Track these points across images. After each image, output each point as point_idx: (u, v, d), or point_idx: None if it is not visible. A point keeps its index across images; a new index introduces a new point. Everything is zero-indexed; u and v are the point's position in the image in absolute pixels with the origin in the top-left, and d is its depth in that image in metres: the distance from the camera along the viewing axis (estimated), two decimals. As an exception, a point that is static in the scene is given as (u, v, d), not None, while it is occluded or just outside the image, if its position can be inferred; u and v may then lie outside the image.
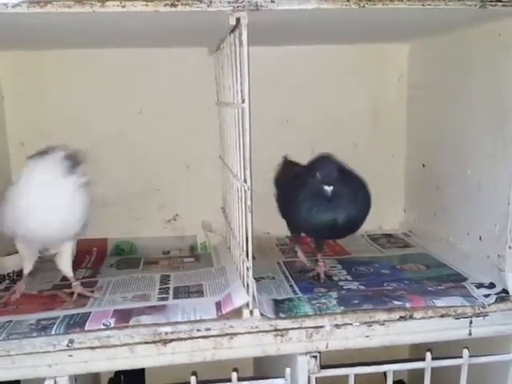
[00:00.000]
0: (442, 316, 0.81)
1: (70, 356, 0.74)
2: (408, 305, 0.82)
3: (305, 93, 1.23)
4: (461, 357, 0.83)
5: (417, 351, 1.25)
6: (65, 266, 0.93)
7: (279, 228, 1.27)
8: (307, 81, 1.22)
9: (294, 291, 0.91)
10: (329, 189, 0.88)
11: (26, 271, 0.93)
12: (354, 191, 0.91)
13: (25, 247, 0.92)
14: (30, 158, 0.87)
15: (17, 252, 1.07)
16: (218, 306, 0.82)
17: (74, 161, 0.85)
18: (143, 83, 1.18)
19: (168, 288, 0.94)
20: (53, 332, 0.76)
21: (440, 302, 0.82)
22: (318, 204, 0.90)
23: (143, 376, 1.15)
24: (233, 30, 0.79)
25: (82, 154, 0.87)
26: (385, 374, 1.14)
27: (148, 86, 1.19)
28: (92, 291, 0.92)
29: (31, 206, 0.83)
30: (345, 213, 0.90)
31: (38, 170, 0.85)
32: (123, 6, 0.69)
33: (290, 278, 0.99)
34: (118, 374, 1.14)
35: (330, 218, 0.90)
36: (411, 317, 0.81)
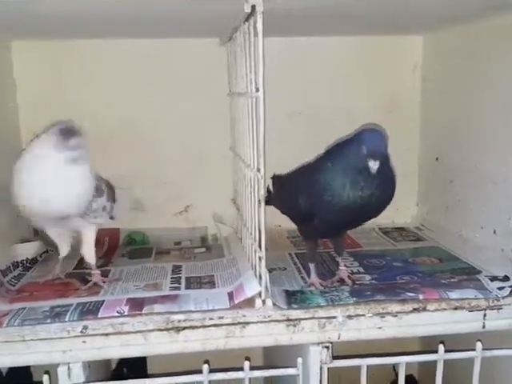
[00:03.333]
0: (456, 308, 0.81)
1: (84, 342, 0.75)
2: (421, 297, 0.81)
3: (317, 84, 1.22)
4: (474, 350, 0.82)
5: (427, 345, 1.25)
6: (86, 252, 0.94)
7: (290, 221, 1.28)
8: (320, 72, 1.22)
9: (306, 283, 0.91)
10: (375, 165, 0.78)
11: (61, 255, 0.96)
12: (391, 171, 0.85)
13: (54, 230, 0.94)
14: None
15: (30, 240, 1.09)
16: (231, 296, 0.82)
17: (67, 135, 0.83)
18: (155, 74, 1.18)
19: (180, 278, 0.94)
20: (67, 318, 0.76)
21: (454, 295, 0.81)
22: (355, 180, 0.81)
23: (145, 367, 1.15)
24: (247, 19, 0.79)
25: (78, 128, 0.85)
26: (394, 367, 1.15)
27: (160, 77, 1.19)
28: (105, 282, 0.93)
29: (28, 181, 0.83)
30: (383, 193, 0.82)
31: (34, 145, 0.85)
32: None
33: (302, 270, 0.98)
34: (120, 364, 1.15)
35: (366, 196, 0.81)
36: (424, 309, 0.80)
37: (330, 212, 0.84)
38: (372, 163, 0.79)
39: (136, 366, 1.10)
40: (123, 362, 1.13)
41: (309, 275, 0.92)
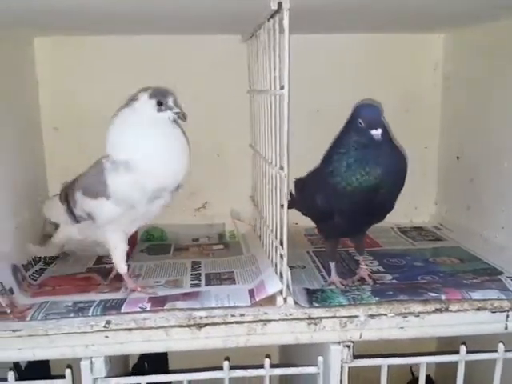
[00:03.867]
0: (478, 309, 0.80)
1: (107, 337, 0.75)
2: (444, 297, 0.81)
3: (337, 82, 1.22)
4: (495, 351, 0.82)
5: (444, 345, 1.24)
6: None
7: (307, 219, 1.28)
8: (340, 70, 1.21)
9: (326, 282, 0.91)
10: (377, 132, 0.77)
11: (123, 271, 0.88)
12: (397, 147, 0.84)
13: (116, 234, 0.87)
14: (119, 110, 0.85)
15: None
16: (251, 293, 0.83)
17: (160, 97, 0.83)
18: (175, 70, 1.18)
19: (199, 274, 0.95)
20: (90, 313, 0.77)
21: (476, 295, 0.81)
22: (360, 158, 0.80)
23: (166, 363, 1.16)
24: (272, 16, 0.79)
25: (168, 89, 0.85)
26: (411, 367, 1.15)
27: (180, 73, 1.18)
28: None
29: (156, 150, 0.81)
30: (393, 169, 0.81)
31: (131, 115, 0.83)
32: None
33: (321, 268, 0.98)
34: (141, 359, 1.15)
35: (375, 173, 0.80)
36: (447, 309, 0.80)
37: (345, 199, 0.83)
38: (374, 132, 0.78)
39: (157, 360, 1.11)
40: (145, 357, 1.14)
41: (329, 274, 0.92)
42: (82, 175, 0.89)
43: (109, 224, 0.85)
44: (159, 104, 0.82)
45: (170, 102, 0.83)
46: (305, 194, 0.97)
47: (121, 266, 0.87)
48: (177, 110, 0.83)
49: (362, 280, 0.90)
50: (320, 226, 0.96)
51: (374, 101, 0.89)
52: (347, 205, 0.84)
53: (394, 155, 0.83)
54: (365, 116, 0.80)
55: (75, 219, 0.89)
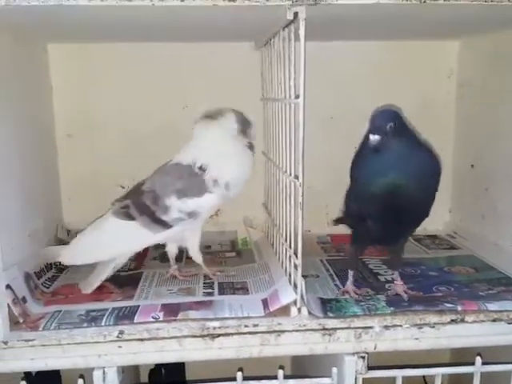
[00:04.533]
0: (495, 320, 0.79)
1: (120, 347, 0.75)
2: (460, 308, 0.80)
3: (351, 89, 1.21)
4: (511, 363, 0.81)
5: (457, 356, 1.23)
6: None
7: (320, 226, 1.27)
8: (353, 77, 1.21)
9: (340, 290, 0.90)
10: (373, 137, 0.79)
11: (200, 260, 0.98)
12: (420, 149, 0.83)
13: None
14: (201, 121, 0.96)
15: (64, 242, 1.09)
16: (265, 303, 0.82)
17: (244, 124, 0.95)
18: (189, 77, 1.18)
19: (212, 283, 0.94)
20: (103, 323, 0.76)
21: (492, 306, 0.80)
22: (371, 161, 0.81)
23: (183, 370, 1.15)
24: (287, 25, 0.78)
25: (249, 120, 0.97)
26: (424, 378, 1.13)
27: (193, 80, 1.19)
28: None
29: (238, 163, 0.94)
30: (413, 171, 0.80)
31: (217, 130, 0.94)
32: (182, 0, 0.68)
33: (335, 277, 0.97)
34: (158, 366, 1.15)
35: (390, 176, 0.79)
36: (462, 320, 0.79)
37: (367, 202, 0.84)
38: (371, 137, 0.79)
39: (174, 368, 1.11)
40: (162, 364, 1.13)
41: (343, 283, 0.92)
42: (159, 183, 0.92)
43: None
44: (242, 132, 0.95)
45: (251, 131, 0.97)
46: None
47: (199, 256, 0.98)
48: (250, 141, 0.97)
49: (397, 296, 0.87)
50: (353, 231, 0.93)
51: (394, 106, 0.87)
52: (371, 208, 0.84)
53: (416, 158, 0.82)
54: (370, 120, 0.81)
55: (166, 225, 0.90)
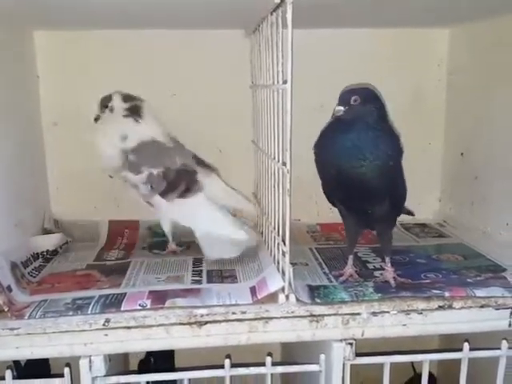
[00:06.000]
0: (482, 306, 0.79)
1: (106, 335, 0.74)
2: (447, 294, 0.80)
3: (341, 77, 1.18)
4: (499, 348, 0.81)
5: (446, 343, 1.24)
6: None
7: (310, 215, 1.27)
8: (342, 65, 1.20)
9: (329, 278, 0.90)
10: (338, 108, 0.82)
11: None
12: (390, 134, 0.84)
13: None
14: None
15: (52, 232, 1.09)
16: (253, 291, 0.81)
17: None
18: (177, 65, 1.17)
19: (201, 271, 0.94)
20: (89, 311, 0.76)
21: (480, 292, 0.80)
22: (332, 132, 0.84)
23: (173, 358, 1.15)
24: (275, 9, 0.77)
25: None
26: (412, 364, 1.14)
27: (182, 68, 1.18)
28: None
29: None
30: (375, 148, 0.81)
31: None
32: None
33: (324, 265, 0.97)
34: (148, 355, 1.15)
35: (342, 144, 0.82)
36: (450, 306, 0.79)
37: (326, 177, 0.88)
38: (336, 108, 0.82)
39: (163, 357, 1.10)
40: (151, 353, 1.13)
41: (332, 270, 0.92)
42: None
43: None
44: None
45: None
46: None
47: None
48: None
49: (387, 283, 0.87)
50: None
51: (370, 85, 0.90)
52: (336, 191, 0.89)
53: (377, 140, 0.82)
54: (341, 94, 0.84)
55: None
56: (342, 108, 0.82)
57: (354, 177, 0.82)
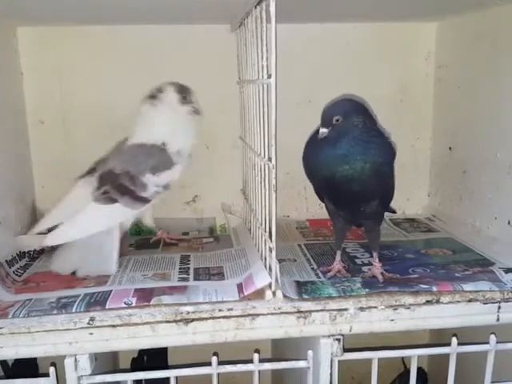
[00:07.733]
0: (470, 301, 0.79)
1: (91, 334, 0.73)
2: (435, 288, 0.79)
3: (328, 72, 1.20)
4: (487, 343, 0.81)
5: (436, 338, 1.24)
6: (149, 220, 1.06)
7: (299, 211, 1.27)
8: (330, 60, 1.20)
9: (317, 274, 0.89)
10: (322, 131, 0.81)
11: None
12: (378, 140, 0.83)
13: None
14: (144, 101, 1.01)
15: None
16: (240, 287, 0.81)
17: (182, 92, 1.00)
18: (163, 60, 1.16)
19: (188, 268, 0.93)
20: (73, 310, 0.75)
21: (468, 287, 0.80)
22: (319, 146, 0.83)
23: (166, 356, 1.14)
24: (259, 3, 0.77)
25: (187, 86, 1.01)
26: (403, 360, 1.14)
27: (168, 64, 1.16)
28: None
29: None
30: (346, 163, 0.80)
31: (161, 107, 0.99)
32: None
33: (312, 261, 0.97)
34: (140, 353, 1.14)
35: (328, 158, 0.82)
36: (438, 301, 0.79)
37: (319, 186, 0.90)
38: (320, 130, 0.82)
39: (156, 355, 1.10)
40: (144, 351, 1.13)
41: (320, 266, 0.92)
42: (132, 164, 0.96)
43: None
44: (183, 99, 1.00)
45: (191, 97, 1.01)
46: None
47: (152, 222, 1.07)
48: (194, 106, 1.02)
49: (374, 278, 0.86)
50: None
51: (353, 96, 0.89)
52: (322, 190, 0.90)
53: (368, 150, 0.82)
54: (323, 112, 0.83)
55: (146, 200, 0.97)
56: (325, 130, 0.82)
57: (345, 187, 0.82)
